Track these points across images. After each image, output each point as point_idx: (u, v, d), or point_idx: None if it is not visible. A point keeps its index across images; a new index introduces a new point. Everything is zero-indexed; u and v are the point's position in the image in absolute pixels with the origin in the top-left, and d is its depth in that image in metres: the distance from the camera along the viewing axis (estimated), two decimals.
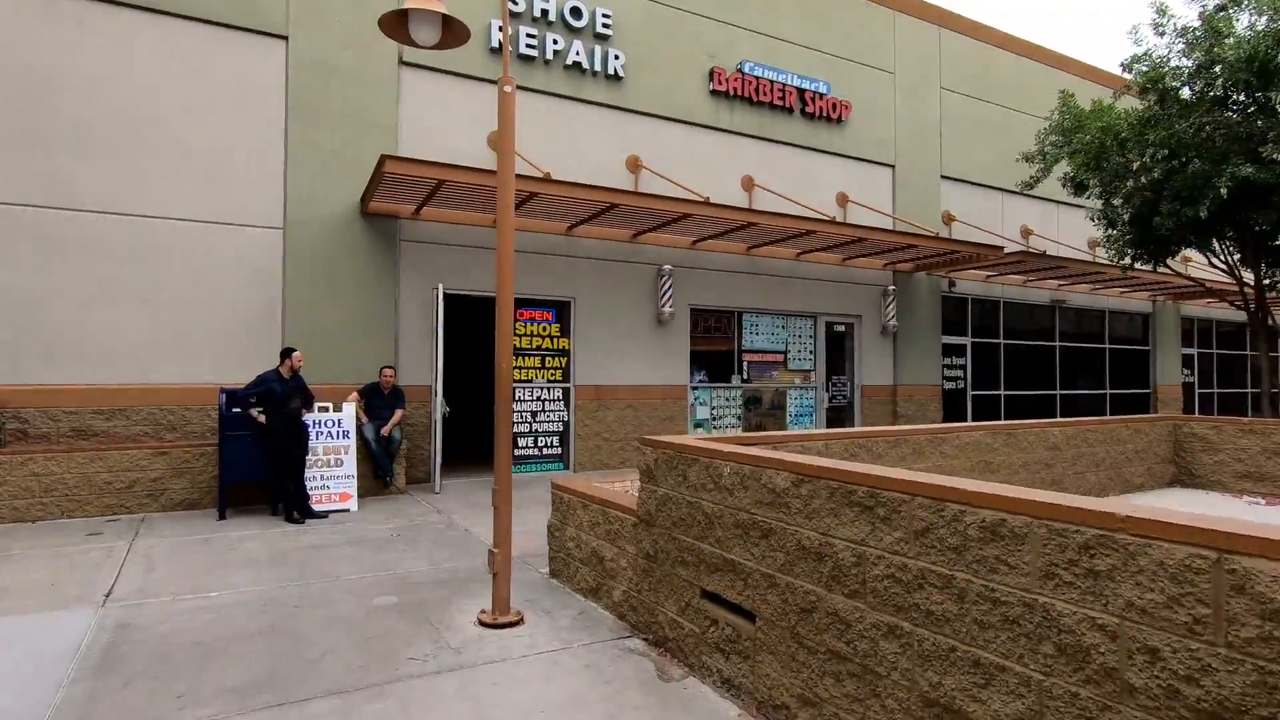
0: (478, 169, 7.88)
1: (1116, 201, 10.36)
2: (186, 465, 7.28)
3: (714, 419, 11.28)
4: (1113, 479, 7.36)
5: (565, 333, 10.02)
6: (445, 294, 8.66)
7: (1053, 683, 1.99)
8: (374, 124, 8.71)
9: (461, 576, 5.08)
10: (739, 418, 11.54)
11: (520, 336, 9.59)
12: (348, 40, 8.61)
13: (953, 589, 2.28)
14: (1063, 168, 11.26)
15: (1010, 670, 2.10)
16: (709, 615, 3.46)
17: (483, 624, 4.13)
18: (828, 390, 12.47)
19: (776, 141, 11.78)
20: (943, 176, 13.87)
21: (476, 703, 3.22)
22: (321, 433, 7.47)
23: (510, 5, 9.54)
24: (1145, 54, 9.66)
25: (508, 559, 4.21)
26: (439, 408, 8.58)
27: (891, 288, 12.81)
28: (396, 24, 4.43)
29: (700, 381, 11.17)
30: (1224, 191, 8.44)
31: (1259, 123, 8.69)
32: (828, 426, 12.30)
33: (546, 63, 9.82)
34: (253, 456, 7.03)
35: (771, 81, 11.60)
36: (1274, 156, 8.21)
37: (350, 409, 7.75)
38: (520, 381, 9.63)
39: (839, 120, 12.37)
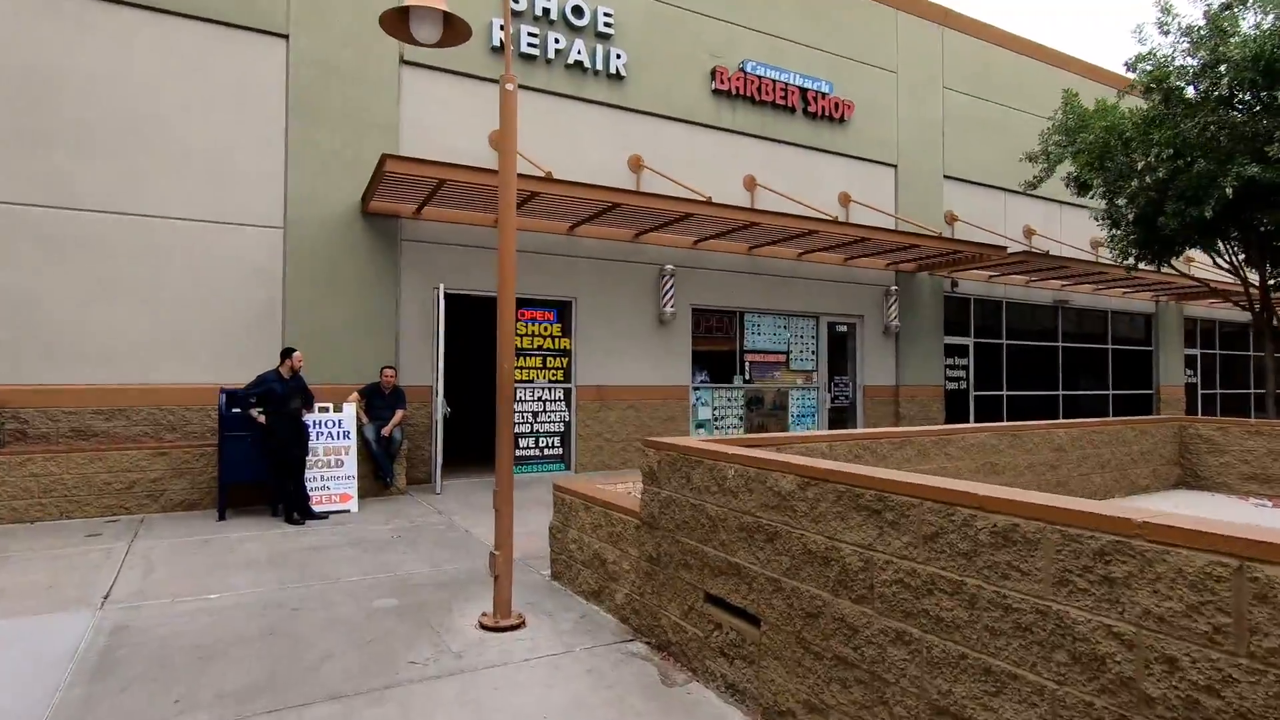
0: (479, 168, 7.85)
1: (1121, 201, 10.32)
2: (186, 466, 7.25)
3: (716, 419, 11.24)
4: (1118, 481, 7.31)
5: (567, 332, 9.98)
6: (446, 294, 8.62)
7: (1066, 692, 1.94)
8: (375, 123, 8.68)
9: (462, 578, 5.05)
10: (741, 418, 11.50)
11: (521, 336, 9.55)
12: (348, 39, 8.58)
13: (963, 595, 2.23)
14: (1066, 167, 11.22)
15: (1023, 678, 2.05)
16: (713, 619, 3.42)
17: (484, 627, 4.09)
18: (830, 391, 12.43)
19: (779, 141, 11.74)
20: (945, 176, 13.82)
21: (478, 708, 3.18)
22: (322, 433, 7.43)
23: (512, 4, 9.51)
24: (1150, 53, 9.61)
25: (509, 561, 4.17)
26: (440, 408, 8.54)
27: (894, 288, 12.76)
28: (397, 21, 4.39)
29: (702, 382, 11.13)
30: (1229, 191, 8.39)
31: (1265, 122, 8.64)
32: (830, 427, 12.26)
33: (548, 62, 9.78)
34: (253, 457, 7.00)
35: (774, 81, 11.56)
36: None
37: (351, 409, 7.71)
38: (521, 382, 9.59)
39: (841, 120, 12.33)
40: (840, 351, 12.65)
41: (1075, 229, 15.61)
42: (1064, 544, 1.96)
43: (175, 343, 7.73)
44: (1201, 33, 9.18)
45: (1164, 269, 11.71)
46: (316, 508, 7.10)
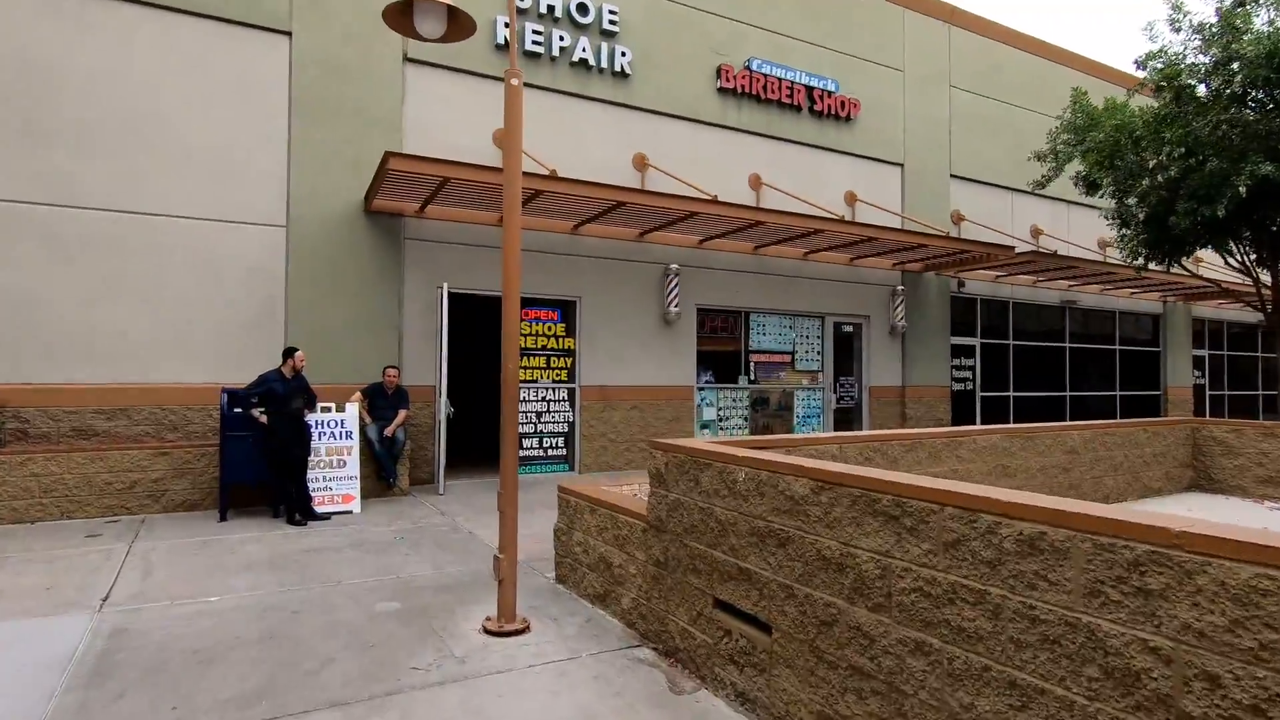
0: (483, 166, 7.77)
1: (1131, 201, 10.20)
2: (188, 466, 7.19)
3: (720, 420, 11.16)
4: (1130, 483, 7.20)
5: (570, 332, 9.90)
6: (450, 293, 8.55)
7: (1098, 708, 1.86)
8: (378, 121, 8.61)
9: (466, 581, 4.97)
10: (746, 419, 11.41)
11: (525, 336, 9.47)
12: (351, 36, 8.51)
13: (986, 605, 2.15)
14: (1075, 166, 11.11)
15: (1050, 693, 1.97)
16: (722, 625, 3.34)
17: (488, 632, 4.01)
18: (835, 391, 12.33)
19: (784, 140, 11.65)
20: (952, 175, 13.72)
21: (481, 716, 3.10)
22: (324, 433, 7.37)
23: (517, 1, 9.42)
24: (1160, 50, 9.50)
25: (514, 565, 4.09)
26: (443, 408, 8.47)
27: (900, 288, 12.67)
28: (401, 16, 4.31)
29: (707, 382, 11.05)
30: (1243, 190, 8.28)
31: (1278, 120, 8.52)
32: (835, 428, 12.17)
33: (553, 59, 9.71)
34: (254, 457, 6.93)
35: (779, 79, 11.47)
36: None
37: (353, 409, 7.64)
38: (525, 382, 9.52)
39: (847, 118, 12.23)
40: (846, 352, 12.55)
41: (1083, 229, 15.49)
42: (1095, 553, 1.88)
43: (177, 342, 7.68)
44: (1213, 30, 9.07)
45: (1173, 269, 11.59)
46: (319, 508, 7.04)
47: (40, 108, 7.21)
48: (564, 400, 9.86)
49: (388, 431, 7.91)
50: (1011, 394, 14.67)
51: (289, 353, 7.05)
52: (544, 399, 9.72)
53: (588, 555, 4.57)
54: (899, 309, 12.60)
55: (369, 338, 8.50)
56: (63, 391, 7.22)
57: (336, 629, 4.06)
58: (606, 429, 10.02)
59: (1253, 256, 10.76)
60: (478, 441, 11.38)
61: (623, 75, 10.18)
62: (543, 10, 9.63)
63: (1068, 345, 15.68)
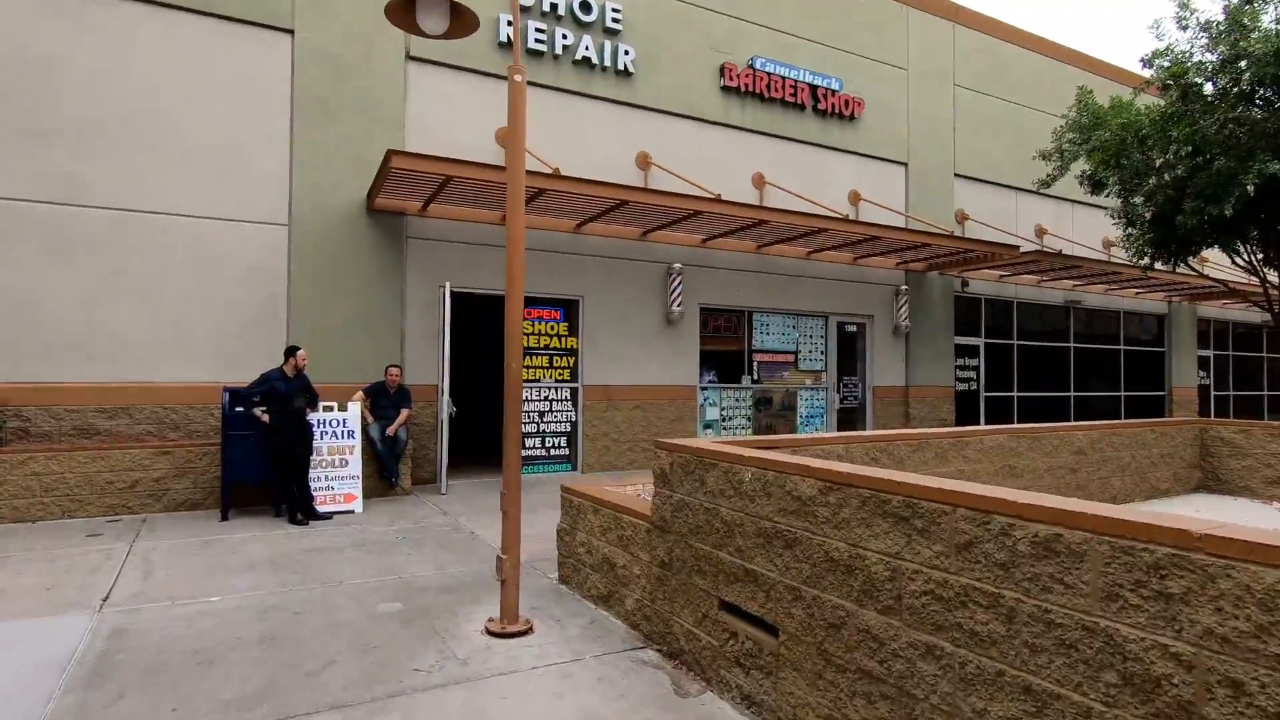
0: (486, 164, 7.75)
1: (1137, 200, 10.14)
2: (189, 465, 7.16)
3: (724, 420, 11.11)
4: (1138, 484, 7.15)
5: (573, 332, 9.86)
6: (452, 292, 8.52)
7: (1116, 715, 1.81)
8: (380, 119, 8.58)
9: (468, 582, 4.94)
10: (749, 419, 11.36)
11: (528, 335, 9.44)
12: (354, 34, 8.48)
13: (1000, 608, 2.11)
14: (1080, 166, 11.04)
15: (1067, 699, 1.92)
16: (728, 628, 3.30)
17: (490, 633, 3.97)
18: (839, 391, 12.28)
19: (788, 139, 11.60)
20: (956, 174, 13.66)
21: (484, 719, 3.06)
22: (326, 432, 7.34)
23: None
24: (1167, 49, 9.43)
25: (516, 565, 4.06)
26: (445, 407, 8.44)
27: (904, 287, 12.61)
28: (403, 13, 4.27)
29: (710, 382, 11.00)
30: (1251, 189, 8.21)
31: None
32: (839, 428, 12.12)
33: (555, 58, 9.67)
34: (256, 456, 6.91)
35: (783, 78, 11.42)
36: None
37: (355, 408, 7.61)
38: (527, 381, 9.48)
39: (851, 117, 12.18)
40: (849, 352, 12.50)
41: (1087, 228, 15.42)
42: (1114, 556, 1.83)
43: (178, 341, 7.65)
44: (1221, 27, 9.00)
45: (1179, 269, 11.52)
46: (320, 508, 7.01)
47: (41, 106, 7.19)
48: (566, 400, 9.82)
49: (390, 431, 7.88)
50: (1015, 394, 14.61)
51: (291, 351, 7.02)
52: (546, 398, 9.69)
53: (591, 556, 4.53)
54: (903, 309, 12.55)
55: (371, 337, 8.47)
56: (64, 390, 7.20)
57: (338, 630, 4.03)
58: (609, 429, 9.98)
59: (1260, 256, 10.70)
60: (479, 441, 11.36)
61: (626, 74, 10.14)
62: (545, 8, 9.59)
63: (1072, 345, 15.61)
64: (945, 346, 13.41)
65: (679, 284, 10.35)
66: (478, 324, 11.68)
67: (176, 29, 7.74)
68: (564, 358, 9.82)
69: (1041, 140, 11.97)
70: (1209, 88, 9.24)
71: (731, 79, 10.94)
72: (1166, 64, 9.35)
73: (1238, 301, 15.19)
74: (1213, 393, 18.56)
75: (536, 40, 9.52)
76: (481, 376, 12.26)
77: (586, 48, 9.80)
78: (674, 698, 3.31)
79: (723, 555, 3.33)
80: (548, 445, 9.72)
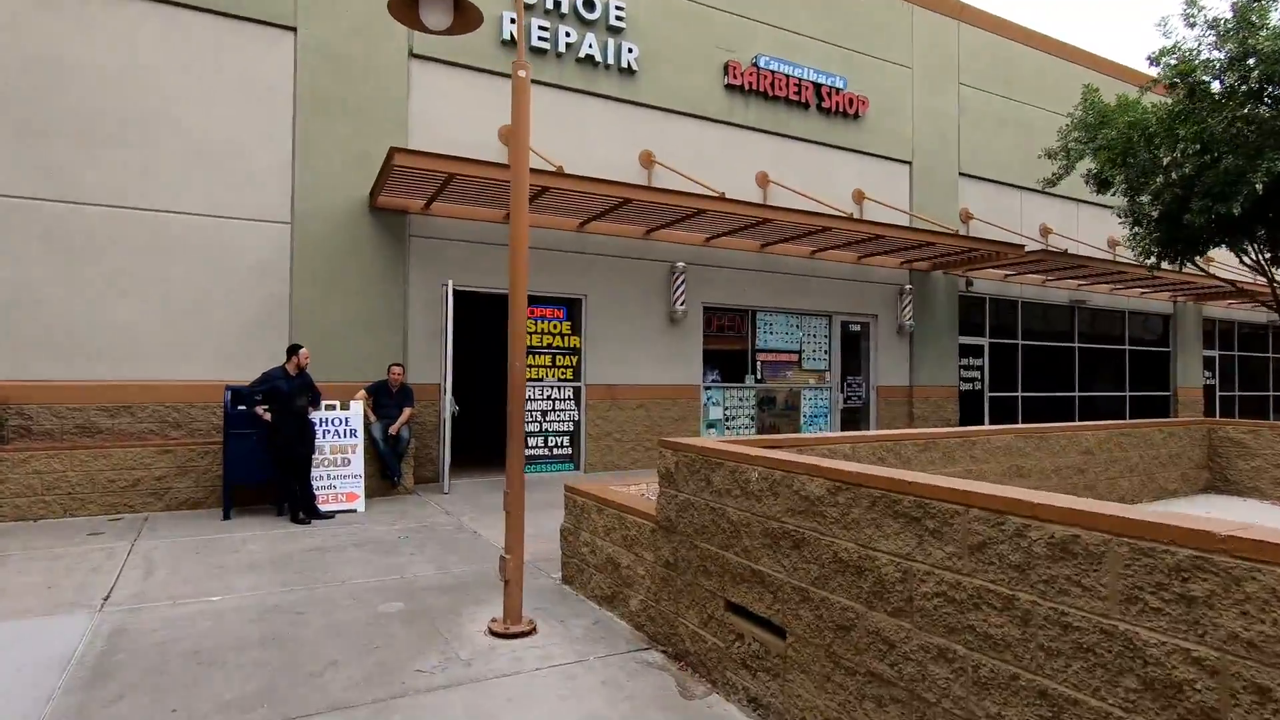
0: (489, 162, 7.72)
1: (1144, 199, 10.07)
2: (191, 464, 7.14)
3: (727, 420, 11.07)
4: (1145, 484, 7.09)
5: (576, 330, 9.83)
6: (454, 291, 8.48)
7: None
8: (383, 117, 8.55)
9: (471, 582, 4.90)
10: (752, 418, 11.32)
11: (531, 334, 9.40)
12: (357, 31, 8.45)
13: (1015, 611, 2.06)
14: (1086, 164, 10.98)
15: (1084, 704, 1.88)
16: (734, 629, 3.26)
17: (494, 634, 3.94)
18: (842, 391, 12.23)
19: (792, 137, 11.55)
20: (961, 173, 13.60)
21: None
22: (328, 431, 7.31)
23: None
24: (1174, 46, 9.36)
25: (520, 565, 4.02)
26: (448, 406, 8.41)
27: (908, 287, 12.55)
28: (406, 8, 4.24)
29: (713, 381, 10.96)
30: (1259, 187, 8.15)
31: None
32: (842, 428, 12.07)
33: (559, 56, 9.64)
34: (258, 455, 6.88)
35: (787, 76, 11.37)
36: None
37: (358, 407, 7.58)
38: (530, 380, 9.44)
39: (856, 116, 12.13)
40: (853, 351, 12.45)
41: (1092, 228, 15.35)
42: (1133, 558, 1.79)
43: (180, 339, 7.63)
44: (1229, 25, 8.93)
45: (1185, 269, 11.45)
46: (323, 507, 6.98)
47: (44, 103, 7.17)
48: (569, 399, 9.78)
49: (392, 430, 7.85)
50: (1020, 394, 14.54)
51: (293, 350, 7.00)
52: (549, 398, 9.65)
53: (595, 556, 4.49)
54: (907, 308, 12.49)
55: (373, 335, 8.44)
56: (66, 388, 7.18)
57: (340, 630, 3.99)
58: (612, 428, 9.94)
59: (1268, 255, 10.62)
60: (482, 440, 11.32)
61: (629, 72, 10.10)
62: (549, 6, 9.55)
63: (1077, 345, 15.54)
64: (949, 346, 13.35)
65: (682, 283, 10.31)
66: (480, 323, 11.64)
67: (179, 26, 7.71)
68: (567, 357, 9.78)
69: (1046, 139, 11.91)
70: (1216, 86, 9.17)
71: (735, 77, 10.89)
72: (1174, 62, 9.28)
73: (1243, 301, 15.11)
74: (1218, 393, 18.48)
75: (540, 38, 9.48)
76: (484, 375, 12.22)
77: (590, 46, 9.76)
78: (679, 700, 3.27)
79: (729, 556, 3.29)
80: (550, 445, 9.68)
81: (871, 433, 7.09)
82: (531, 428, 9.48)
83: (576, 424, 9.81)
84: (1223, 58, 8.93)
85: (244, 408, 6.91)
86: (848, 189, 12.11)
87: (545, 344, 9.62)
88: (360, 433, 7.49)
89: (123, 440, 7.21)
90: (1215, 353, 18.41)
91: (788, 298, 11.49)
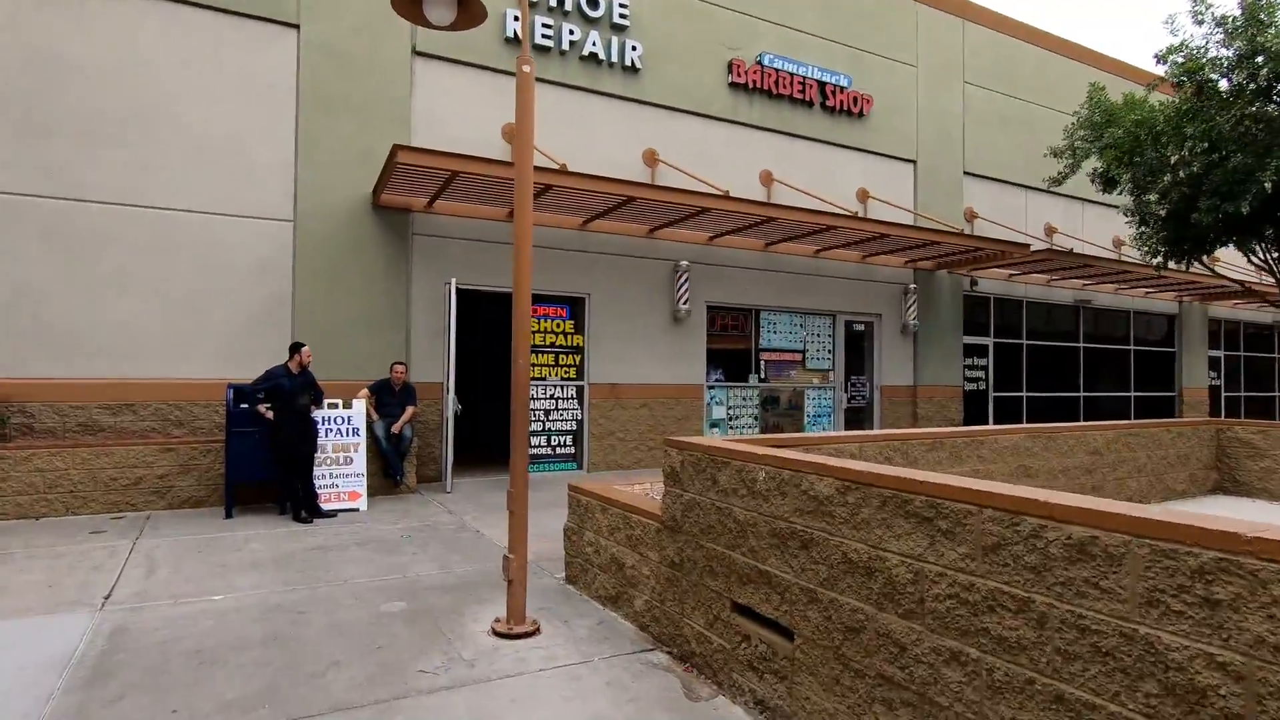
0: (493, 160, 7.69)
1: (1151, 197, 10.01)
2: (193, 462, 7.12)
3: (730, 419, 11.02)
4: (1153, 485, 7.03)
5: (579, 329, 9.79)
6: (457, 289, 8.45)
7: None
8: (386, 115, 8.52)
9: (474, 581, 4.87)
10: (756, 418, 11.27)
11: (534, 333, 9.36)
12: (359, 28, 8.42)
13: (1030, 613, 2.02)
14: (1091, 163, 10.91)
15: (1102, 709, 1.84)
16: (741, 630, 3.22)
17: (497, 634, 3.90)
18: (846, 390, 12.18)
19: (796, 136, 11.50)
20: (965, 172, 13.54)
21: None
22: (331, 430, 7.28)
23: None
24: (1182, 44, 9.30)
25: (524, 565, 3.98)
26: (451, 405, 8.38)
27: (912, 286, 12.50)
28: (410, 3, 4.20)
29: (717, 380, 10.92)
30: (1268, 186, 8.08)
31: None
32: (846, 427, 12.02)
33: (562, 53, 9.60)
34: (260, 454, 6.85)
35: (791, 74, 11.32)
36: None
37: (360, 406, 7.55)
38: (533, 379, 9.41)
39: (860, 114, 12.07)
40: (857, 351, 12.40)
41: (1097, 227, 15.27)
42: (1154, 560, 1.75)
43: (183, 337, 7.61)
44: (1237, 23, 8.86)
45: (1192, 269, 11.38)
46: (325, 506, 6.95)
47: (45, 100, 7.15)
48: (572, 398, 9.75)
49: (395, 428, 7.82)
50: (1024, 394, 14.48)
51: (296, 348, 6.97)
52: (552, 396, 9.62)
53: (599, 556, 4.46)
54: (911, 308, 12.44)
55: (376, 334, 8.41)
56: (68, 386, 7.16)
57: (342, 630, 3.96)
58: (615, 427, 9.90)
59: (1275, 254, 10.55)
60: (484, 439, 11.30)
61: (633, 70, 10.06)
62: (553, 3, 9.52)
63: (1081, 345, 15.47)
64: (954, 346, 13.29)
65: (686, 282, 10.27)
66: (483, 321, 11.62)
67: (181, 23, 7.69)
68: (570, 356, 9.75)
69: (1051, 138, 11.85)
70: (1224, 84, 9.11)
71: (740, 75, 10.85)
72: (1181, 59, 9.22)
73: (1249, 301, 15.03)
74: (1223, 394, 18.39)
75: (543, 35, 9.44)
76: (487, 374, 12.20)
77: (594, 43, 9.73)
78: (685, 701, 3.23)
79: (735, 556, 3.25)
80: (553, 444, 9.65)
81: (878, 432, 7.05)
82: (534, 427, 9.44)
83: (579, 423, 9.78)
84: (1231, 55, 8.87)
85: (246, 406, 6.88)
86: (852, 188, 12.06)
87: (548, 343, 9.59)
88: (363, 431, 7.46)
89: (125, 438, 7.19)
90: (1220, 353, 18.32)
91: (791, 297, 11.44)
